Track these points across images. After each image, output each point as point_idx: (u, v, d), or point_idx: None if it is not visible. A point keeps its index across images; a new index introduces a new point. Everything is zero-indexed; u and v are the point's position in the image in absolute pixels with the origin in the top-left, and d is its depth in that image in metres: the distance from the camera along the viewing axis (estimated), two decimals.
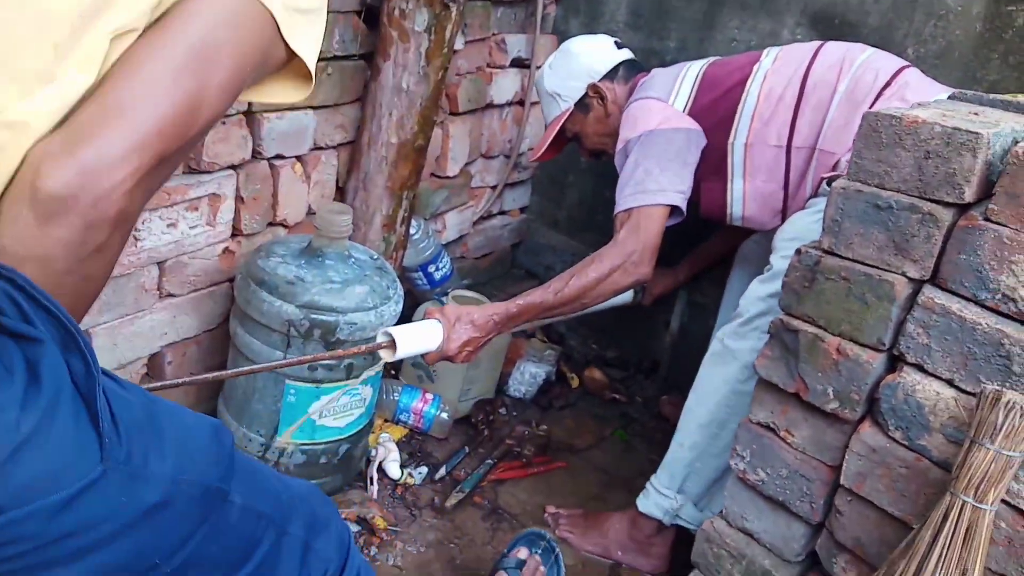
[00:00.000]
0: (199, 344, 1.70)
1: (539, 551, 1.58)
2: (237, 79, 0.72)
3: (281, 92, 0.82)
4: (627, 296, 2.03)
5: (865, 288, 1.04)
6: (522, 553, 1.57)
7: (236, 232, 1.68)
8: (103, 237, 0.62)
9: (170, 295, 1.59)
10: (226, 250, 1.67)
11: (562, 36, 2.43)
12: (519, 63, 2.36)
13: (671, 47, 2.23)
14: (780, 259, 1.52)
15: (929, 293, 1.01)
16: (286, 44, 0.76)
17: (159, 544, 0.68)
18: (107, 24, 0.64)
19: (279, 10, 0.74)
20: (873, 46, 1.67)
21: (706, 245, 2.18)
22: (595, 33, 2.33)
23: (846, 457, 1.10)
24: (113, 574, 0.66)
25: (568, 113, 1.90)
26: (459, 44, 2.06)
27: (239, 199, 1.64)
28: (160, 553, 0.69)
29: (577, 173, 2.52)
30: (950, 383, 1.00)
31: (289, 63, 0.79)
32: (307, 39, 0.78)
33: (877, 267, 1.04)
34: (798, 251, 1.12)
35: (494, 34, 2.24)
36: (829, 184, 1.55)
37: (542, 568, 1.55)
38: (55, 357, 0.58)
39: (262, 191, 1.69)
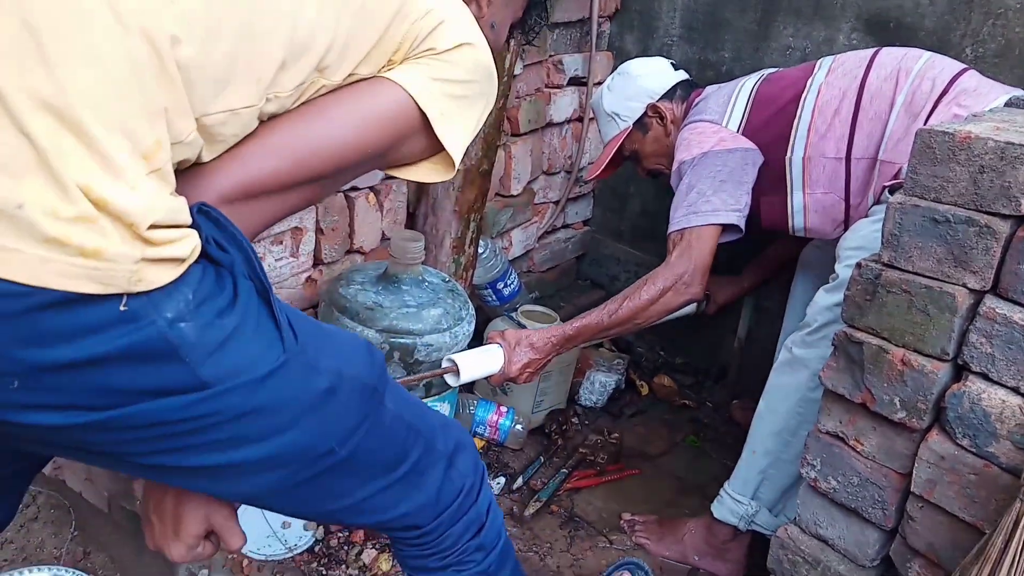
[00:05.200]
0: None
1: None
2: (351, 158, 0.87)
3: (424, 174, 0.95)
4: (690, 307, 2.07)
5: (927, 300, 1.07)
6: None
7: (317, 261, 1.78)
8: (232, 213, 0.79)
9: None
10: (309, 279, 1.77)
11: (618, 52, 2.48)
12: (576, 81, 2.42)
13: (726, 58, 2.26)
14: (844, 268, 1.54)
15: (990, 304, 1.03)
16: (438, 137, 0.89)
17: (332, 430, 0.84)
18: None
19: (434, 111, 0.87)
20: (930, 49, 1.68)
21: (769, 251, 2.20)
22: (649, 48, 2.39)
23: (916, 465, 1.12)
24: (299, 455, 0.82)
25: (627, 133, 1.95)
26: (518, 69, 2.14)
27: (319, 230, 1.75)
28: (335, 438, 0.84)
29: (638, 184, 2.56)
30: (1015, 391, 1.03)
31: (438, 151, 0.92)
32: (457, 131, 0.90)
33: (937, 279, 1.07)
34: (859, 264, 1.15)
35: (551, 56, 2.31)
36: (892, 192, 1.57)
37: None
38: (243, 274, 0.76)
39: (339, 222, 1.79)
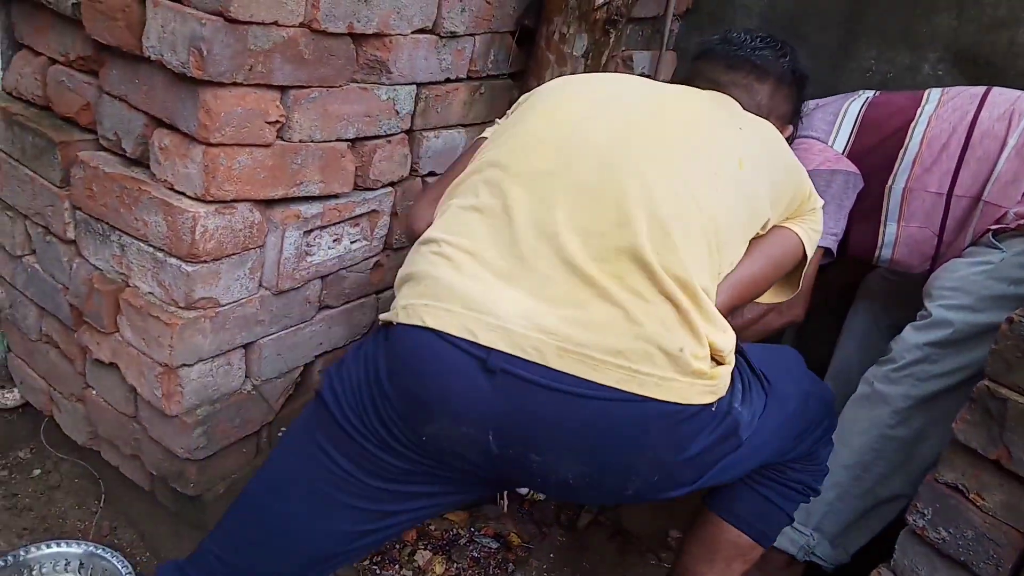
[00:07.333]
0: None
1: None
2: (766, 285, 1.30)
3: (776, 294, 1.40)
4: None
5: None
6: None
7: (387, 246, 1.70)
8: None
9: (327, 307, 1.62)
10: (377, 264, 1.69)
11: (682, 53, 2.42)
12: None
13: None
14: (939, 308, 1.52)
15: None
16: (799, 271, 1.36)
17: (787, 436, 1.24)
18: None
19: (810, 255, 1.33)
20: (1020, 90, 1.65)
21: (825, 277, 2.16)
22: None
23: None
24: (771, 455, 1.24)
25: None
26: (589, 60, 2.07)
27: (394, 214, 1.66)
28: (790, 438, 1.25)
29: None
30: None
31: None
32: (809, 267, 1.35)
33: None
34: (1010, 319, 1.12)
35: (624, 51, 2.23)
36: (994, 236, 1.55)
37: None
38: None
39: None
